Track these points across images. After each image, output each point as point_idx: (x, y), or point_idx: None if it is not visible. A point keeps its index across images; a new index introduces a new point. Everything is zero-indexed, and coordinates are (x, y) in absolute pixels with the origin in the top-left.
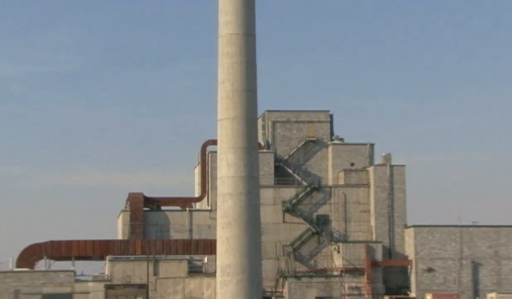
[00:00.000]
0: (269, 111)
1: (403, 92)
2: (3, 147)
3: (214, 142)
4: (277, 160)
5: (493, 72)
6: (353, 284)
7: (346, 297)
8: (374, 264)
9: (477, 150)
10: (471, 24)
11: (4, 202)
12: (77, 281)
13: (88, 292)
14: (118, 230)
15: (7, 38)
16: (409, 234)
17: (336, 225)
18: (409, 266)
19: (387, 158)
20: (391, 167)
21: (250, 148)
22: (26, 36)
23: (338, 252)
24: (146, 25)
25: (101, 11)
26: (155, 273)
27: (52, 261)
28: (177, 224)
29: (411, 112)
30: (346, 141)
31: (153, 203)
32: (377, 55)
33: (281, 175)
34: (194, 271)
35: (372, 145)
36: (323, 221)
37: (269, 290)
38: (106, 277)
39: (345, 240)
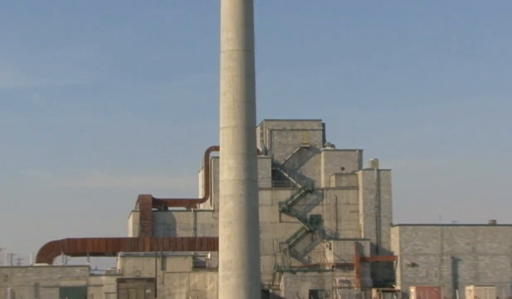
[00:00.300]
0: (266, 120)
1: (389, 103)
2: (26, 152)
3: (216, 148)
4: (274, 164)
5: (469, 85)
6: (344, 278)
7: (337, 289)
8: (362, 259)
9: (456, 155)
10: (449, 40)
11: (25, 202)
12: (91, 275)
13: (101, 285)
14: (128, 228)
15: (29, 54)
16: (395, 232)
17: (328, 224)
18: (395, 261)
19: (375, 162)
20: (378, 171)
21: (249, 154)
22: (45, 52)
23: (330, 248)
24: (156, 43)
25: (114, 29)
26: (163, 268)
27: (68, 257)
28: (183, 223)
29: (396, 121)
30: (337, 147)
31: (161, 204)
32: (365, 70)
33: (278, 178)
34: (198, 266)
35: (360, 151)
36: (316, 220)
37: (267, 283)
38: (118, 271)
39: (336, 238)
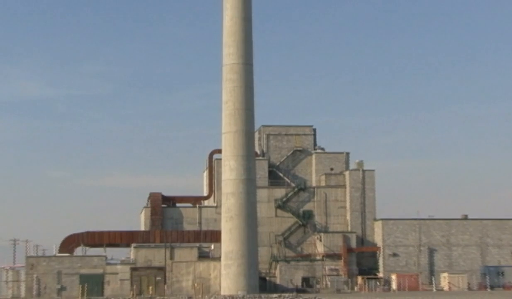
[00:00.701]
0: (264, 126)
1: (373, 111)
2: (50, 155)
3: (219, 151)
4: (270, 165)
5: (442, 95)
6: (332, 267)
7: (326, 277)
8: (349, 250)
9: (433, 156)
10: (423, 53)
11: (49, 199)
12: (107, 264)
13: (116, 273)
14: (141, 222)
15: (53, 68)
16: (378, 226)
17: (318, 219)
18: (378, 252)
19: (360, 164)
20: (363, 171)
21: (249, 156)
22: (67, 66)
23: (320, 240)
24: (165, 57)
25: (128, 45)
26: (171, 258)
27: (87, 248)
28: (189, 218)
29: (380, 127)
30: (326, 150)
31: (170, 201)
32: (352, 82)
33: (274, 178)
34: (203, 256)
35: (347, 154)
36: (308, 215)
37: (264, 271)
38: (131, 261)
39: (325, 231)
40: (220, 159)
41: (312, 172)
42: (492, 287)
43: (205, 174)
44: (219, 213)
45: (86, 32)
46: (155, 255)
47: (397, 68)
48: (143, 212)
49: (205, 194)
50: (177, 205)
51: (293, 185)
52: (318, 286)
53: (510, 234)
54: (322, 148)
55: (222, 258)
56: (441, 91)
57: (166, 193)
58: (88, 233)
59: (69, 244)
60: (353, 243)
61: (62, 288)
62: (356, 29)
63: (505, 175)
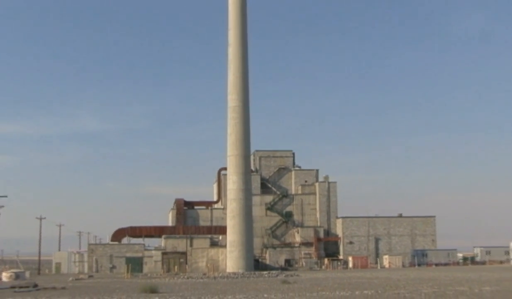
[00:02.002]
0: (257, 150)
1: (335, 139)
2: (105, 171)
3: (225, 169)
4: (262, 179)
5: (386, 129)
6: (307, 251)
7: (302, 259)
8: (318, 240)
9: (378, 172)
10: (370, 97)
11: (105, 204)
12: (145, 250)
13: (151, 256)
14: (169, 220)
15: (107, 108)
16: (339, 222)
17: (296, 217)
18: (339, 241)
19: (326, 178)
20: (328, 183)
21: (246, 172)
22: (117, 107)
23: (298, 233)
24: (187, 101)
25: (159, 93)
26: (191, 245)
27: (131, 238)
28: (203, 217)
29: (340, 151)
30: (302, 168)
31: (189, 205)
32: (320, 118)
33: (264, 188)
34: (214, 244)
35: (317, 170)
36: (289, 215)
37: (257, 255)
38: (162, 247)
39: (301, 226)
40: (226, 174)
41: (292, 183)
42: (419, 265)
43: (215, 185)
44: (225, 213)
45: (130, 83)
46: (179, 244)
47: (351, 112)
48: (170, 213)
49: (215, 199)
50: (195, 207)
51: (278, 193)
52: (296, 265)
53: (432, 227)
54: (299, 167)
55: (227, 246)
56: (383, 126)
57: (187, 199)
58: (131, 227)
59: (118, 235)
60: (321, 235)
61: (113, 267)
62: (317, 83)
63: (429, 184)
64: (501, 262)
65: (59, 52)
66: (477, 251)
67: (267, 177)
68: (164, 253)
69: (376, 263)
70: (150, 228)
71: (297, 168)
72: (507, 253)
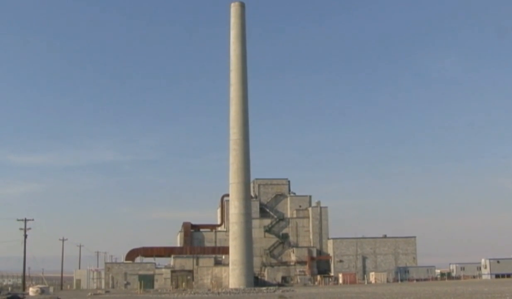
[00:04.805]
0: (256, 178)
1: (326, 168)
2: (120, 198)
3: (227, 195)
4: (260, 204)
5: (373, 159)
6: (301, 269)
7: (297, 276)
8: (312, 258)
9: (366, 198)
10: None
11: (120, 227)
12: (156, 268)
13: (162, 274)
14: (177, 241)
15: (121, 140)
16: (330, 243)
17: (292, 239)
18: (330, 259)
19: (318, 203)
20: (320, 208)
21: (246, 198)
22: (130, 139)
23: (293, 252)
24: (193, 134)
25: (169, 127)
26: (197, 264)
27: (143, 258)
28: (208, 238)
29: (331, 179)
30: (297, 194)
31: (196, 227)
32: (312, 150)
33: (263, 212)
34: (218, 263)
35: (310, 196)
36: (285, 236)
37: (257, 273)
38: (171, 266)
39: (296, 246)
40: (228, 200)
41: (288, 208)
42: (402, 280)
43: (218, 210)
44: (228, 235)
45: (142, 120)
46: (187, 263)
47: (341, 144)
48: (178, 235)
49: (218, 223)
50: (201, 230)
51: (275, 217)
52: (292, 282)
53: (413, 246)
54: (294, 193)
55: (230, 264)
56: (369, 157)
57: (194, 222)
58: (143, 248)
59: (131, 255)
60: (314, 254)
61: (128, 283)
62: (310, 119)
63: (410, 208)
64: (474, 277)
65: (81, 94)
66: (452, 267)
67: (265, 202)
68: (173, 271)
69: (364, 279)
70: (160, 248)
71: (292, 194)
72: (479, 268)
